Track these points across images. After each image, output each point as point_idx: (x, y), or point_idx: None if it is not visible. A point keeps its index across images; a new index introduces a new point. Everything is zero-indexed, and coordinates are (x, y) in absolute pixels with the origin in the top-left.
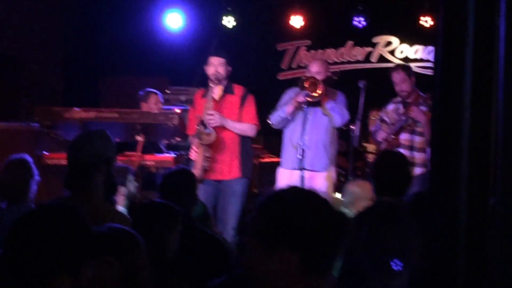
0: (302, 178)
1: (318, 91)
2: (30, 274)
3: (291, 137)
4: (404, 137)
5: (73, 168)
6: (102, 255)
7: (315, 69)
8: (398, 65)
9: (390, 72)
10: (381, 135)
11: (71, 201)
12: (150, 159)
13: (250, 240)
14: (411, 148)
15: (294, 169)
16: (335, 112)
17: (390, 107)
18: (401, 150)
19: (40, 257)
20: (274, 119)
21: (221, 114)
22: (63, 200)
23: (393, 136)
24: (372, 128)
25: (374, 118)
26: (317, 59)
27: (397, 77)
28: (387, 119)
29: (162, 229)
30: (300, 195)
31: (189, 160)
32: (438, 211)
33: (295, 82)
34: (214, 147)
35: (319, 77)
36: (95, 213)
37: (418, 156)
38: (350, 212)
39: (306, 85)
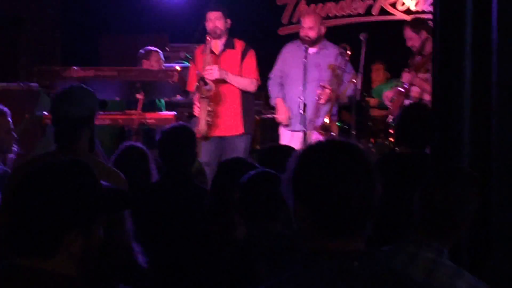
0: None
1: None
2: (40, 230)
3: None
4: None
5: (65, 123)
6: (112, 212)
7: (308, 24)
8: (406, 21)
9: None
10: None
11: (58, 155)
12: (151, 117)
13: None
14: None
15: (294, 130)
16: None
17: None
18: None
19: (51, 213)
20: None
21: (221, 68)
22: (50, 154)
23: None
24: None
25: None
26: (310, 13)
27: (404, 34)
28: None
29: None
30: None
31: (190, 118)
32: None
33: (295, 36)
34: (215, 102)
35: (311, 33)
36: None
37: None
38: None
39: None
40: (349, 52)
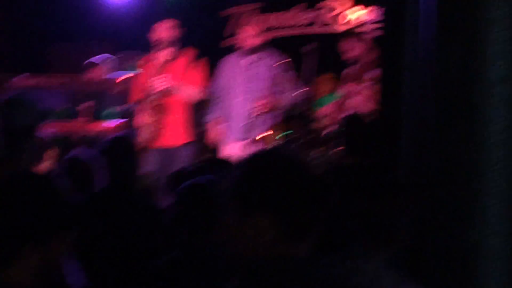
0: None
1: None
2: None
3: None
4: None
5: (8, 133)
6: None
7: (247, 33)
8: (345, 32)
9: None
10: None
11: (1, 166)
12: (96, 127)
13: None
14: None
15: (236, 141)
16: None
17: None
18: None
19: (7, 226)
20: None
21: (169, 78)
22: None
23: None
24: None
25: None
26: (251, 23)
27: (343, 45)
28: None
29: None
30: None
31: (136, 127)
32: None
33: (237, 48)
34: (161, 112)
35: (251, 42)
36: None
37: None
38: None
39: None
40: (290, 62)
